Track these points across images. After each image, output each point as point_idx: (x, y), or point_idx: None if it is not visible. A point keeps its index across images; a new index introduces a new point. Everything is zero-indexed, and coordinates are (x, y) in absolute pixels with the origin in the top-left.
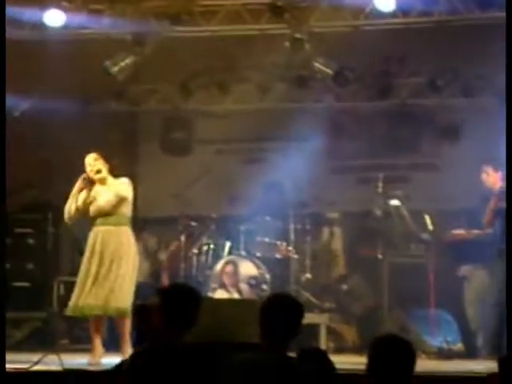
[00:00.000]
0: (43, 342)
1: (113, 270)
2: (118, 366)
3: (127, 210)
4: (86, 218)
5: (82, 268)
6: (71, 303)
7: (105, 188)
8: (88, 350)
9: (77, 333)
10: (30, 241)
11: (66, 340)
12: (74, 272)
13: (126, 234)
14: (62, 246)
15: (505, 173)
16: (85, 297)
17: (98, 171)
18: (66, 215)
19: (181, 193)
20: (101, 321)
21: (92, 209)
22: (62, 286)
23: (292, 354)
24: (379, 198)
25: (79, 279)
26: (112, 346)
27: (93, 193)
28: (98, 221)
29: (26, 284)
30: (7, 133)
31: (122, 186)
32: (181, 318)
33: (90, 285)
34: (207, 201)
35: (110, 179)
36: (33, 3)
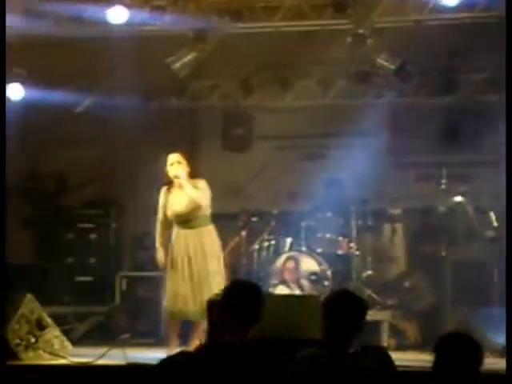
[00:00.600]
0: (105, 336)
1: (205, 272)
2: (167, 361)
3: (206, 210)
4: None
5: (174, 270)
6: (171, 307)
7: (182, 193)
8: (150, 345)
9: (139, 327)
10: (93, 236)
11: (127, 334)
12: (136, 267)
13: (207, 234)
14: (123, 242)
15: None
16: (186, 301)
17: (177, 176)
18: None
19: (241, 189)
20: (179, 321)
21: (169, 213)
22: (124, 281)
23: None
24: (442, 194)
25: (174, 281)
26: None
27: (171, 197)
28: (178, 223)
29: (88, 278)
30: (70, 129)
31: (200, 193)
32: (245, 314)
33: (188, 288)
34: (268, 197)
35: (187, 183)
36: (96, 0)
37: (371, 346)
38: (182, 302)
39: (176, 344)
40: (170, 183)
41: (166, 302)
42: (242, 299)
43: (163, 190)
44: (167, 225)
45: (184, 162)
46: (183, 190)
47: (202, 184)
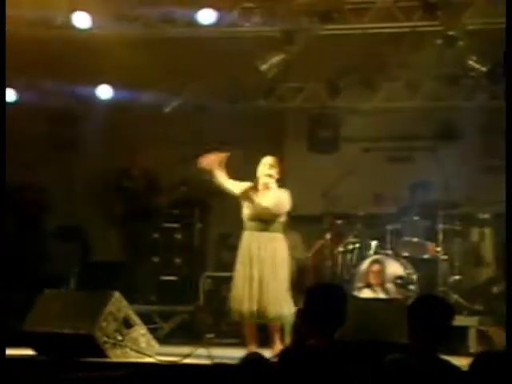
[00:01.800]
0: (190, 335)
1: (273, 276)
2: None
3: (283, 218)
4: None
5: (242, 270)
6: (239, 308)
7: (268, 194)
8: (234, 345)
9: (223, 327)
10: (178, 236)
11: (212, 334)
12: (220, 267)
13: (280, 240)
14: (208, 242)
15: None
16: (256, 303)
17: (270, 175)
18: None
19: (327, 191)
20: (255, 324)
21: (247, 211)
22: (208, 281)
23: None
24: None
25: (241, 284)
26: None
27: (255, 194)
28: (252, 224)
29: (173, 278)
30: (158, 129)
31: (282, 201)
32: (328, 317)
33: (256, 291)
34: (353, 199)
35: (273, 189)
36: (187, 2)
37: None
38: (248, 303)
39: (253, 346)
40: (255, 188)
41: (231, 301)
42: (324, 302)
43: (247, 184)
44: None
45: (277, 167)
46: (269, 192)
47: (286, 195)
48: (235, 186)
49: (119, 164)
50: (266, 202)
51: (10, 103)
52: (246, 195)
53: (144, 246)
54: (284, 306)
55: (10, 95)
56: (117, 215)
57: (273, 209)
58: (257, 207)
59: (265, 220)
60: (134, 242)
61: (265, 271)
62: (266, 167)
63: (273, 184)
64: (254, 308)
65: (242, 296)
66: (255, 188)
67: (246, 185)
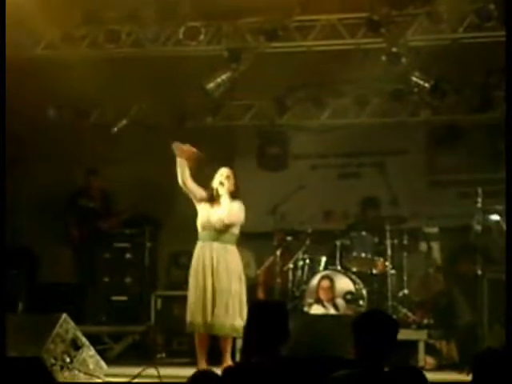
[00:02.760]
0: (141, 355)
1: (227, 287)
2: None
3: (236, 230)
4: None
5: (195, 282)
6: (193, 319)
7: (220, 205)
8: (185, 364)
9: (174, 347)
10: (128, 255)
11: (163, 354)
12: (171, 286)
13: (233, 252)
14: (158, 260)
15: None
16: (210, 314)
17: (222, 183)
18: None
19: (276, 208)
20: (207, 337)
21: (201, 220)
22: (159, 300)
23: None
24: (479, 212)
25: (194, 294)
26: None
27: (207, 205)
28: (206, 234)
29: (124, 298)
30: (105, 148)
31: (235, 213)
32: (270, 332)
33: (210, 301)
34: (302, 216)
35: (226, 199)
36: (131, 21)
37: (406, 367)
38: (202, 313)
39: (203, 361)
40: (210, 197)
41: (187, 313)
42: (265, 318)
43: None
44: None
45: (232, 179)
46: (222, 202)
47: (240, 206)
48: (196, 189)
49: (68, 184)
50: (220, 211)
51: None
52: (202, 203)
53: (95, 267)
54: (237, 319)
55: None
56: (71, 235)
57: (225, 219)
58: (210, 217)
59: (218, 230)
60: (87, 263)
61: (218, 282)
62: (221, 177)
63: (224, 193)
64: (207, 319)
65: (195, 306)
66: (210, 198)
67: (203, 192)
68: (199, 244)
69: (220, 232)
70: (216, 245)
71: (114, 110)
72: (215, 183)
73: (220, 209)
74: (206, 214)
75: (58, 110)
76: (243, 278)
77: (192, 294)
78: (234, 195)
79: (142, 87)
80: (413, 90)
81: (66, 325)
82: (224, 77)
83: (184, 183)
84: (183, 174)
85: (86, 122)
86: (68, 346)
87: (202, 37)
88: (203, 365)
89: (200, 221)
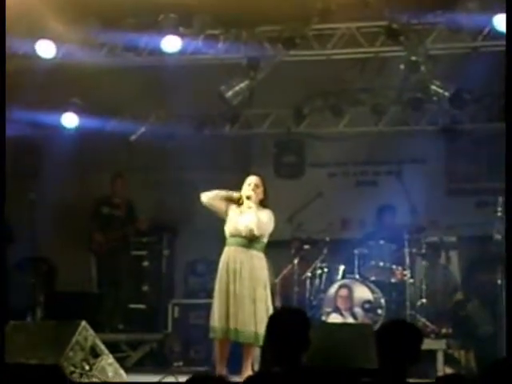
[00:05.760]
0: (158, 363)
1: (251, 293)
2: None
3: (263, 238)
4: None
5: (219, 287)
6: (215, 324)
7: (248, 215)
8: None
9: (191, 355)
10: (146, 263)
11: (180, 362)
12: (188, 294)
13: (260, 259)
14: (175, 269)
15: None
16: (233, 320)
17: (249, 197)
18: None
19: (293, 216)
20: (228, 344)
21: (228, 228)
22: (176, 309)
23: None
24: (499, 222)
25: (218, 299)
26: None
27: (238, 211)
28: (233, 240)
29: (141, 306)
30: (124, 155)
31: (263, 222)
32: (290, 341)
33: (233, 307)
34: (320, 224)
35: (256, 207)
36: (150, 30)
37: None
38: (225, 319)
39: (223, 369)
40: (238, 203)
41: (210, 318)
42: (286, 327)
43: (232, 209)
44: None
45: (262, 187)
46: (250, 212)
47: (269, 215)
48: (221, 203)
49: (86, 192)
50: (247, 220)
51: None
52: (229, 212)
53: (117, 274)
54: (260, 327)
55: None
56: (95, 243)
57: (255, 229)
58: (237, 224)
59: (245, 237)
60: (109, 270)
61: (242, 288)
62: (249, 187)
63: (252, 204)
64: (230, 325)
65: (219, 312)
66: (238, 205)
67: (232, 195)
68: (226, 250)
69: (248, 239)
70: (242, 251)
71: (133, 118)
72: (244, 191)
73: (248, 217)
74: (233, 220)
75: (78, 117)
76: (268, 285)
77: (216, 299)
78: (263, 203)
79: (160, 95)
80: (432, 99)
81: (85, 332)
82: (242, 85)
83: (211, 205)
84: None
85: (105, 130)
86: (87, 354)
87: (220, 45)
88: (222, 370)
89: (227, 227)
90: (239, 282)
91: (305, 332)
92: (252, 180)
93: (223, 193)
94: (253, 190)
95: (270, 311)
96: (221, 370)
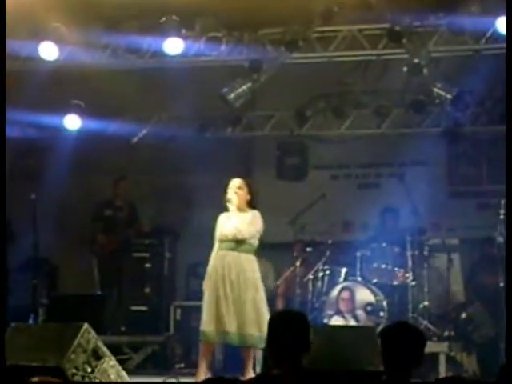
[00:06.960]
0: (160, 365)
1: (241, 296)
2: None
3: (254, 240)
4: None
5: (208, 291)
6: (205, 328)
7: (233, 217)
8: None
9: (193, 357)
10: (148, 265)
11: (182, 364)
12: (190, 296)
13: (249, 261)
14: (177, 271)
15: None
16: (222, 323)
17: (229, 200)
18: None
19: (296, 218)
20: (212, 347)
21: (217, 232)
22: (178, 311)
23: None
24: (501, 224)
25: (207, 303)
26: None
27: (224, 218)
28: (222, 245)
29: (143, 308)
30: (126, 158)
31: (246, 225)
32: (290, 343)
33: (223, 310)
34: (322, 226)
35: (237, 210)
36: (152, 32)
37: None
38: (215, 322)
39: (203, 371)
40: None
41: (201, 322)
42: (286, 329)
43: (223, 214)
44: None
45: (245, 189)
46: (238, 214)
47: (253, 216)
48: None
49: (87, 194)
50: (231, 223)
51: None
52: (219, 218)
53: (118, 276)
54: (253, 329)
55: None
56: (98, 245)
57: (237, 233)
58: (223, 227)
59: (233, 240)
60: (105, 273)
61: (231, 291)
62: (230, 190)
63: (233, 207)
64: (220, 328)
65: (208, 315)
66: (225, 208)
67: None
68: (214, 254)
69: (236, 242)
70: (230, 254)
71: (135, 120)
72: (228, 194)
73: (232, 221)
74: (221, 224)
75: (80, 119)
76: (260, 287)
77: (205, 302)
78: (250, 205)
79: (162, 97)
80: (434, 101)
81: (87, 335)
82: (245, 87)
83: None
84: None
85: (107, 132)
86: (89, 356)
87: (223, 47)
88: (203, 374)
89: (217, 231)
90: (229, 286)
91: (305, 334)
92: (234, 183)
93: None
94: (235, 192)
95: (262, 313)
96: (201, 372)
